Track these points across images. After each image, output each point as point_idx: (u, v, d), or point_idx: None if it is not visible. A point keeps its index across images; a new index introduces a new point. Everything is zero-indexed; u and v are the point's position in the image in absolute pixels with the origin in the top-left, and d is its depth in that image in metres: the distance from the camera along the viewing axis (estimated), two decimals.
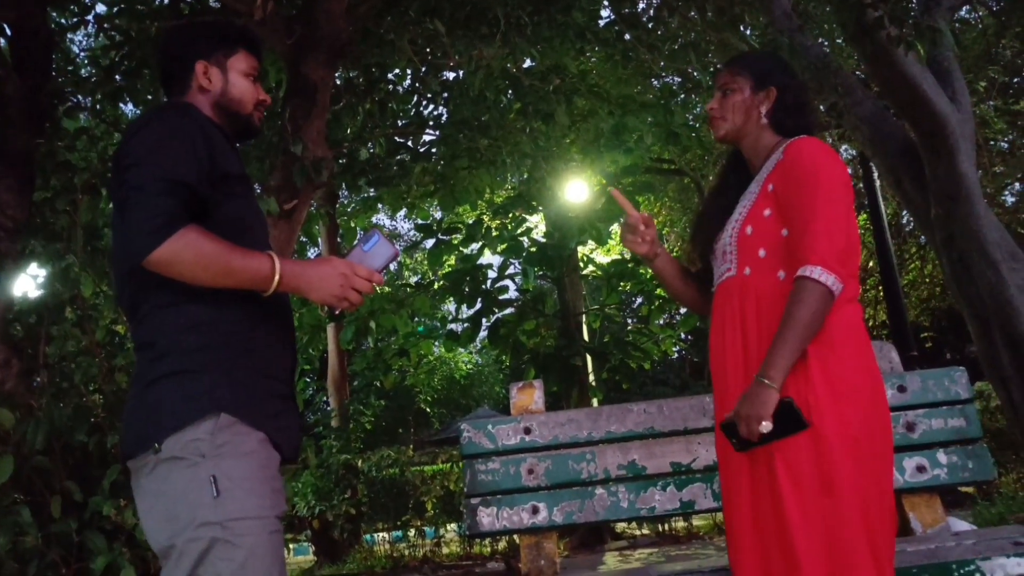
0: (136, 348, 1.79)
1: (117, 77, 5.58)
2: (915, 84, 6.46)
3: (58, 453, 3.61)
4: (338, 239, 12.57)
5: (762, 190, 2.09)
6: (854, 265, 1.98)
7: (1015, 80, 12.25)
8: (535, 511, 2.76)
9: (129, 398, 1.78)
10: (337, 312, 1.89)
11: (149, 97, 5.91)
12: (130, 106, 6.21)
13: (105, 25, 5.43)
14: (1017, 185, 13.62)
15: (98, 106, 5.91)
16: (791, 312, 1.89)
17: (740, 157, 2.29)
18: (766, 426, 1.86)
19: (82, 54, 8.40)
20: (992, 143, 11.95)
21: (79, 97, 5.75)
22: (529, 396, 2.95)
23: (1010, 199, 14.02)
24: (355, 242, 2.00)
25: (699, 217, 2.37)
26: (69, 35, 5.95)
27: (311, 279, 1.75)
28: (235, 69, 1.99)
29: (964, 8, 9.50)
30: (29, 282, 4.72)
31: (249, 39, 2.05)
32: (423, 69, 5.85)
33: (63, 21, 5.59)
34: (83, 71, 5.77)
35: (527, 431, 2.85)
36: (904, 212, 13.18)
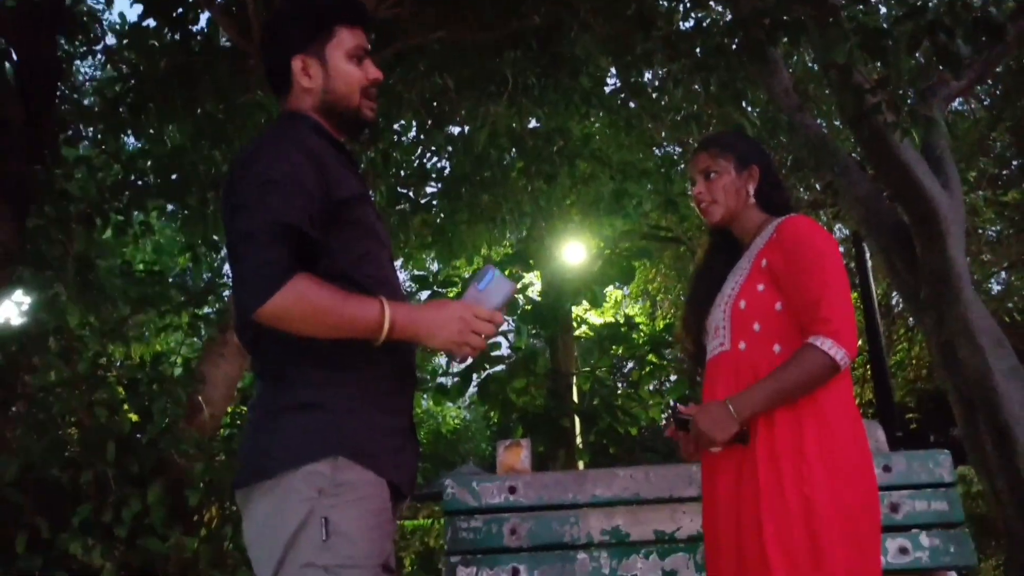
0: (258, 376, 1.75)
1: (121, 109, 5.62)
2: (909, 169, 6.56)
3: (29, 487, 3.54)
4: None
5: (754, 265, 2.09)
6: (858, 336, 1.99)
7: (1004, 172, 12.48)
8: (515, 573, 2.70)
9: (248, 424, 1.73)
10: (459, 361, 1.78)
11: (151, 131, 5.95)
12: (131, 139, 6.25)
13: (114, 57, 5.49)
14: (1003, 274, 13.77)
15: (99, 136, 5.94)
16: (786, 366, 1.92)
17: (724, 236, 2.30)
18: (716, 451, 1.94)
19: (87, 84, 8.49)
20: (980, 231, 12.12)
21: (81, 126, 5.78)
22: (516, 455, 2.92)
23: (996, 287, 14.16)
24: (468, 281, 1.90)
25: (690, 299, 2.37)
26: (76, 63, 6.01)
27: (429, 325, 1.66)
28: (335, 56, 1.80)
29: (958, 99, 9.72)
30: (13, 309, 4.68)
31: (348, 9, 1.85)
32: (429, 122, 5.92)
33: (70, 49, 5.65)
34: (87, 100, 5.82)
35: (512, 490, 2.80)
36: (894, 293, 13.28)
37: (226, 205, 1.69)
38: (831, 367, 1.89)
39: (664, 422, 2.20)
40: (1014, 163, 12.49)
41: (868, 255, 9.25)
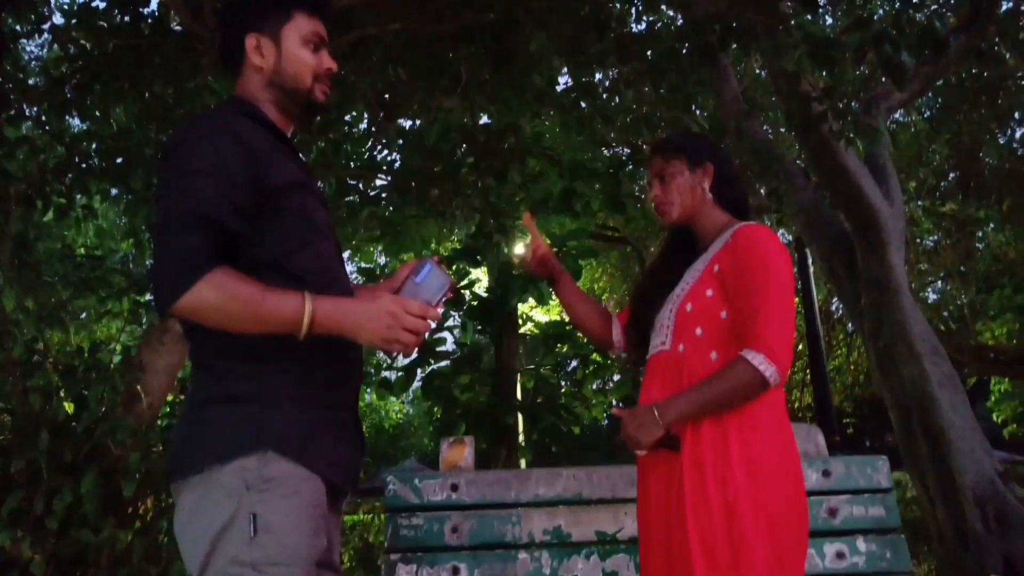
0: (193, 367, 1.70)
1: (66, 89, 5.46)
2: (853, 178, 6.71)
3: None
4: None
5: (707, 269, 2.11)
6: (792, 355, 2.02)
7: (942, 183, 12.83)
8: (455, 572, 2.70)
9: (180, 416, 1.69)
10: (393, 356, 1.71)
11: (97, 113, 5.80)
12: (76, 120, 6.09)
13: (61, 36, 5.35)
14: (939, 283, 14.16)
15: (43, 117, 5.77)
16: (716, 379, 1.94)
17: (683, 234, 2.32)
18: (643, 454, 2.03)
19: (33, 63, 8.24)
20: (919, 241, 12.45)
21: (24, 105, 5.62)
22: (459, 452, 2.91)
23: (932, 296, 14.55)
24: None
25: (640, 290, 2.39)
26: (22, 41, 5.83)
27: (356, 319, 1.58)
28: (290, 39, 1.79)
29: (900, 110, 9.98)
30: None
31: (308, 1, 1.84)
32: (381, 114, 5.88)
33: (17, 28, 5.48)
34: (32, 80, 5.65)
35: (454, 488, 2.80)
36: (834, 299, 13.57)
37: (155, 196, 1.66)
38: (760, 383, 1.91)
39: (606, 421, 2.24)
40: (952, 175, 12.86)
41: (810, 261, 9.44)
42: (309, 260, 1.70)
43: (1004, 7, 7.82)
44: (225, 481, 1.54)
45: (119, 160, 5.66)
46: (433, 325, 1.66)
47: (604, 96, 6.95)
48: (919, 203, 12.05)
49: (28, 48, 8.56)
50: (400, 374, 8.55)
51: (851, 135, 5.33)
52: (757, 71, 10.56)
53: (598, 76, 7.18)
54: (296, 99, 1.81)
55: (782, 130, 10.99)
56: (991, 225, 11.82)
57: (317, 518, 1.61)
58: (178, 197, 1.56)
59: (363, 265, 9.69)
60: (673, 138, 2.34)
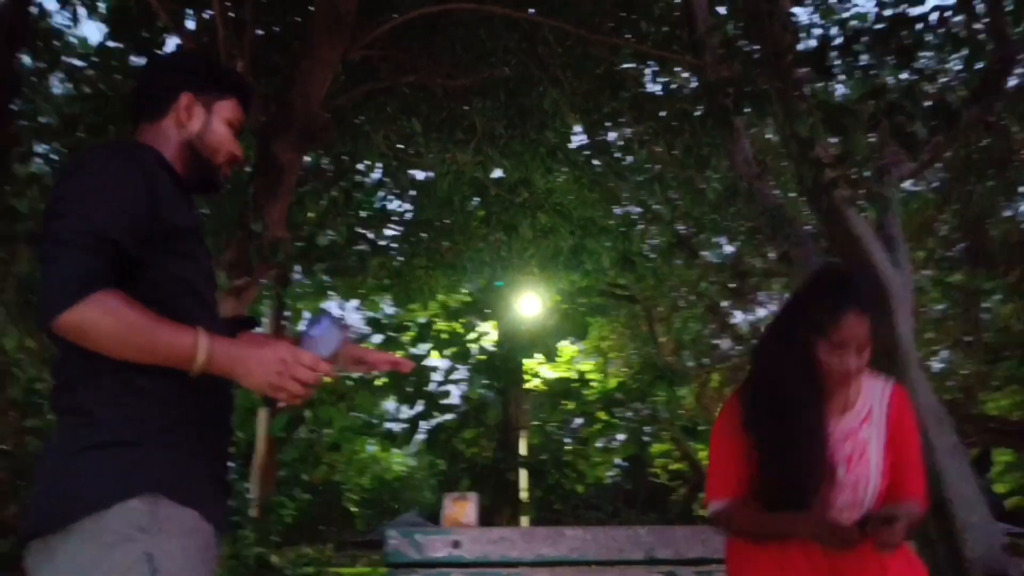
0: (61, 412, 1.60)
1: (79, 130, 5.52)
2: (863, 245, 6.68)
3: None
4: (282, 321, 12.40)
5: (888, 438, 2.15)
6: None
7: (949, 253, 12.83)
8: None
9: (44, 466, 1.58)
10: (277, 405, 1.68)
11: None
12: None
13: (76, 76, 5.42)
14: (945, 352, 14.08)
15: (54, 155, 5.82)
16: (908, 509, 2.05)
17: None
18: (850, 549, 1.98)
19: (45, 102, 8.34)
20: (923, 309, 12.41)
21: (34, 143, 5.67)
22: (462, 509, 2.86)
23: (937, 365, 14.45)
24: (302, 326, 1.77)
25: (801, 450, 2.07)
26: (44, 79, 5.90)
27: (246, 362, 1.56)
28: (220, 114, 1.86)
29: (910, 180, 10.02)
30: None
31: (244, 91, 1.95)
32: (394, 164, 5.92)
33: (39, 66, 5.56)
34: (45, 119, 5.71)
35: (456, 545, 2.74)
36: None
37: (45, 215, 1.60)
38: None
39: (610, 480, 2.09)
40: (959, 245, 12.87)
41: None
42: (191, 304, 1.68)
43: (1011, 82, 7.89)
44: (114, 526, 1.48)
45: None
46: (325, 379, 1.65)
47: (617, 154, 6.99)
48: (926, 272, 12.04)
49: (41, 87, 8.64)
50: (404, 426, 8.48)
51: (862, 203, 5.33)
52: (768, 135, 10.65)
53: (612, 134, 7.24)
54: (204, 169, 1.85)
55: (791, 194, 11.03)
56: (998, 296, 11.78)
57: (209, 561, 1.58)
58: (77, 216, 1.53)
59: (370, 315, 9.67)
60: (875, 309, 2.14)
